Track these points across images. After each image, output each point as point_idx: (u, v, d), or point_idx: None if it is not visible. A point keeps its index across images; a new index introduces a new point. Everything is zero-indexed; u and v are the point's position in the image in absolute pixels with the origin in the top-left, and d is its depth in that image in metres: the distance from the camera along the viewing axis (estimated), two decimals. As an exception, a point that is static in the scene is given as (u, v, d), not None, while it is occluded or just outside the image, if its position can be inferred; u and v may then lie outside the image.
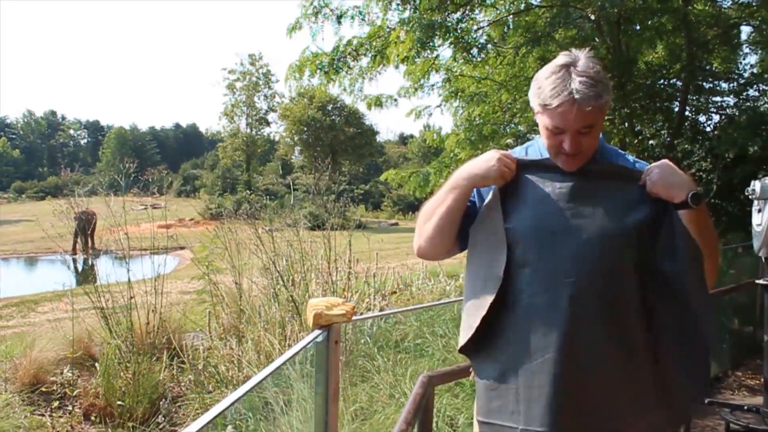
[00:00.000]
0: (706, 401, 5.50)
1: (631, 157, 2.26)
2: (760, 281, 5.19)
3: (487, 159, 2.11)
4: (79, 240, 15.29)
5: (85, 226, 13.64)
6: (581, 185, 2.06)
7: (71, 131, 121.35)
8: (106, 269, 8.19)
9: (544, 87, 2.00)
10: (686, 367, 2.08)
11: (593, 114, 1.96)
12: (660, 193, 2.01)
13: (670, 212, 2.03)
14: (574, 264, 2.00)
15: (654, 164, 2.06)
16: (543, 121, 2.04)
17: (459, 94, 9.70)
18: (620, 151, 2.30)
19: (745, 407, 5.63)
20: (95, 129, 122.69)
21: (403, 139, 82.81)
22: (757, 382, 7.03)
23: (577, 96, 1.92)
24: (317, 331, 2.73)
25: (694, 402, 2.11)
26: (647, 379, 2.06)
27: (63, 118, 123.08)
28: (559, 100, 1.95)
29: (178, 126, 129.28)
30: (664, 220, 2.04)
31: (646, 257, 2.05)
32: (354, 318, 2.88)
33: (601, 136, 2.19)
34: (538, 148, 2.24)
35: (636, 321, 2.05)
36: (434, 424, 3.82)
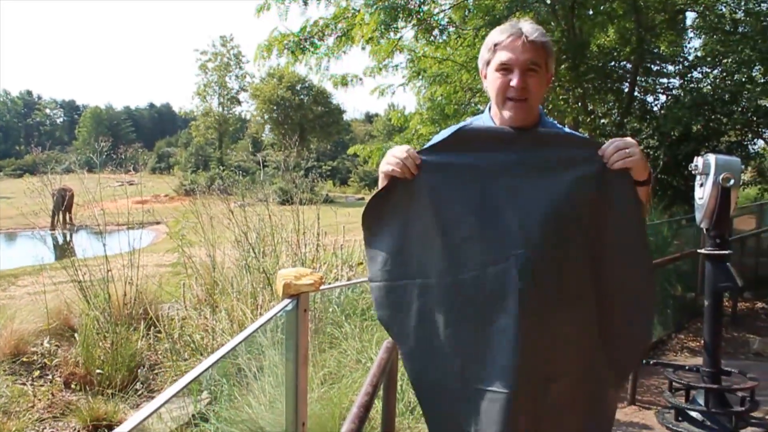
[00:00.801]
0: (651, 362, 5.63)
1: (567, 131, 2.30)
2: (701, 251, 5.28)
3: (393, 156, 2.07)
4: (57, 216, 15.03)
5: (61, 202, 13.42)
6: (526, 157, 2.05)
7: (47, 110, 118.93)
8: (83, 244, 8.09)
9: (493, 34, 2.15)
10: (629, 326, 2.11)
11: (539, 51, 2.08)
12: (635, 173, 2.01)
13: (621, 180, 2.01)
14: (521, 235, 1.99)
15: (624, 141, 2.03)
16: (493, 64, 2.13)
17: (422, 74, 9.67)
18: (558, 124, 2.34)
19: (687, 367, 5.76)
20: (71, 108, 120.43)
21: (369, 118, 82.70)
22: (698, 344, 7.19)
23: (525, 30, 2.08)
24: (287, 300, 2.73)
25: (636, 360, 2.11)
26: (596, 341, 2.09)
27: (39, 97, 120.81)
28: (508, 33, 2.10)
29: (152, 105, 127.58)
30: (613, 187, 2.02)
31: (594, 224, 2.04)
32: (322, 287, 2.89)
33: (543, 110, 2.24)
34: (484, 122, 2.26)
35: (585, 286, 2.06)
36: (398, 387, 3.86)
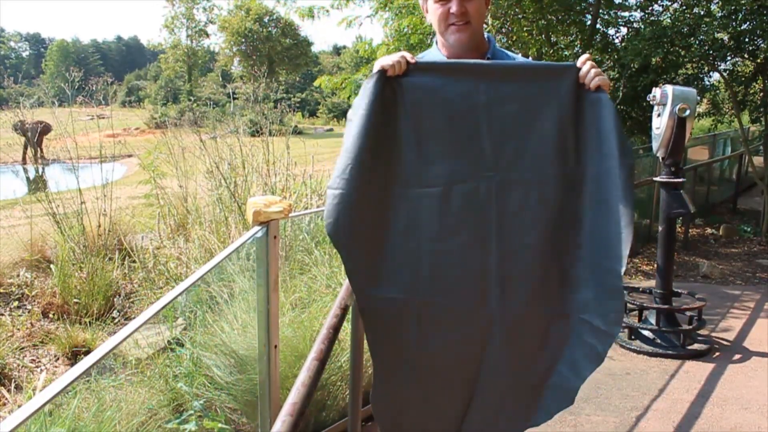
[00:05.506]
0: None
1: (519, 57, 2.33)
2: (657, 179, 5.37)
3: (389, 57, 2.07)
4: (28, 150, 14.68)
5: (35, 136, 13.11)
6: (505, 85, 2.02)
7: (12, 44, 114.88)
8: (56, 177, 7.96)
9: None
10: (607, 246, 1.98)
11: None
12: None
13: (601, 98, 1.99)
14: (494, 158, 1.99)
15: (593, 62, 2.03)
16: None
17: (388, 5, 9.47)
18: (509, 52, 2.34)
19: (640, 289, 5.92)
20: (37, 41, 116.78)
21: (337, 50, 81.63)
22: (651, 267, 7.36)
23: None
24: (257, 228, 2.73)
25: (614, 297, 2.01)
26: (570, 262, 2.05)
27: (2, 30, 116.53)
28: None
29: (120, 38, 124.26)
30: (595, 106, 2.00)
31: (574, 146, 2.01)
32: (291, 215, 2.89)
33: (490, 36, 2.25)
34: (434, 56, 2.27)
35: (561, 210, 2.03)
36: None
